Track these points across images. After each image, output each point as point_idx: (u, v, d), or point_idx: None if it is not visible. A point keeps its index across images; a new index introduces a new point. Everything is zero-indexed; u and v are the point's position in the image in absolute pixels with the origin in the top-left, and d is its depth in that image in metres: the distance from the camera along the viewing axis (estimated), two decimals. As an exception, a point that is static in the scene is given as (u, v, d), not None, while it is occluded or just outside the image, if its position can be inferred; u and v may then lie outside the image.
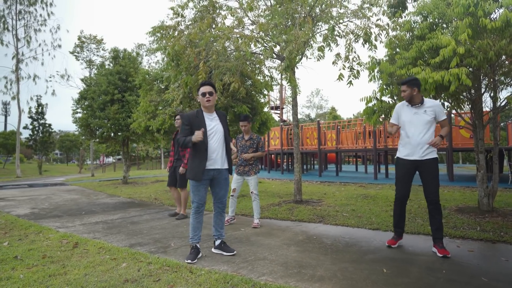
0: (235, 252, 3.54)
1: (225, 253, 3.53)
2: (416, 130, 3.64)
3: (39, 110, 35.23)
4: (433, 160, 3.62)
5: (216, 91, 3.69)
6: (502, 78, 5.14)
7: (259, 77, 7.12)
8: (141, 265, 3.20)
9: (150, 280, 2.82)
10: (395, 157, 3.91)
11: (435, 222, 3.60)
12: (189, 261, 3.27)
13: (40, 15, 25.09)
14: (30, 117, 34.49)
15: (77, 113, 12.17)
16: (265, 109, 9.25)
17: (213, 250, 3.66)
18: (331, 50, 5.25)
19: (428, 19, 4.73)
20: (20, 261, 3.35)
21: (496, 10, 4.28)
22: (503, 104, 5.07)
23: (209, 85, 3.53)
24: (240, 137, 5.19)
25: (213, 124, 3.51)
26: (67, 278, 2.89)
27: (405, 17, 5.24)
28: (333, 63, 5.52)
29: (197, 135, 3.25)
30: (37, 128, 35.03)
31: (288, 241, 4.06)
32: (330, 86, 79.83)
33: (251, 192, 5.08)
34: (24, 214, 6.25)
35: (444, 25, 4.70)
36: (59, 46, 25.78)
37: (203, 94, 3.47)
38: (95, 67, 24.22)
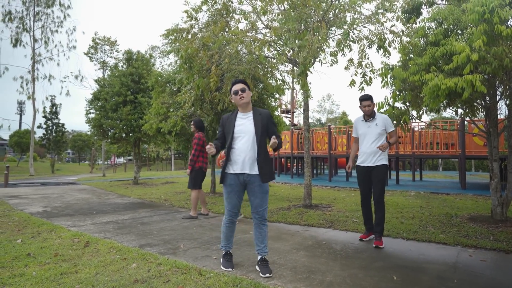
0: (271, 275, 3.00)
1: (261, 274, 3.01)
2: (369, 141, 4.30)
3: (53, 110, 35.88)
4: (382, 166, 4.25)
5: (250, 87, 3.36)
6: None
7: (271, 81, 7.14)
8: (151, 266, 3.23)
9: (159, 281, 2.84)
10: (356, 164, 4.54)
11: (376, 218, 4.22)
12: (230, 269, 3.12)
13: (57, 16, 25.67)
14: (44, 116, 35.17)
15: (90, 113, 12.37)
16: (276, 113, 9.25)
17: (256, 267, 3.20)
18: (344, 55, 5.24)
19: (442, 25, 4.68)
20: (33, 259, 3.42)
21: (512, 17, 4.21)
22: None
23: (240, 82, 3.25)
24: None
25: (243, 124, 3.18)
26: (78, 276, 2.93)
27: (419, 23, 5.20)
28: (345, 68, 5.50)
29: (207, 147, 3.01)
30: (50, 128, 35.69)
31: (297, 246, 4.05)
32: (342, 90, 79.43)
33: None
34: (37, 212, 6.37)
35: (459, 32, 4.65)
36: (74, 47, 26.31)
37: (235, 93, 3.19)
38: (109, 68, 24.67)
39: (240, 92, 3.18)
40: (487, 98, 5.04)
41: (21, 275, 2.95)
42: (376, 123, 4.28)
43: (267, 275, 2.98)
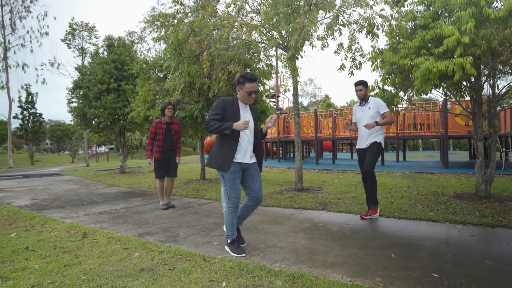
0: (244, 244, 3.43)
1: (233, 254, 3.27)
2: (363, 124, 4.48)
3: (29, 99, 34.66)
4: (373, 143, 4.50)
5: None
6: (500, 66, 5.21)
7: (259, 66, 7.09)
8: (153, 254, 3.25)
9: (165, 268, 2.87)
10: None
11: (368, 193, 4.57)
12: (243, 255, 3.17)
13: (23, 0, 24.33)
14: (20, 106, 33.98)
15: (72, 102, 12.01)
16: (263, 98, 9.23)
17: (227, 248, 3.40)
18: (334, 39, 5.26)
19: (430, 9, 4.75)
20: (32, 252, 3.38)
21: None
22: (503, 91, 5.16)
23: (256, 82, 3.29)
24: None
25: (247, 116, 3.30)
26: (83, 267, 2.93)
27: (407, 6, 5.25)
28: (335, 52, 5.52)
29: (241, 124, 3.06)
30: (27, 118, 34.56)
31: (294, 229, 4.15)
32: (324, 74, 79.70)
33: None
34: (25, 205, 6.24)
35: (447, 14, 4.73)
36: (47, 33, 25.12)
37: (249, 93, 3.23)
38: (88, 55, 23.79)
39: (253, 95, 3.26)
40: (473, 79, 5.19)
41: (24, 268, 2.92)
42: (369, 107, 4.53)
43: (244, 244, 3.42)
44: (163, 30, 6.54)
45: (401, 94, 5.56)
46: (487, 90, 5.62)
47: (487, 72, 5.17)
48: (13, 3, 23.96)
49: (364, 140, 4.59)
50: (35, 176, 12.96)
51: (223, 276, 2.69)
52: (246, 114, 3.31)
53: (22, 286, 2.57)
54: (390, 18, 5.00)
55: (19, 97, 33.10)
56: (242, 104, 3.32)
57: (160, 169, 5.79)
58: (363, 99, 4.58)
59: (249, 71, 7.87)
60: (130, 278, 2.68)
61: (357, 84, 4.57)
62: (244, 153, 3.27)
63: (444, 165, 10.44)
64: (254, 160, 3.37)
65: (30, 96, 34.76)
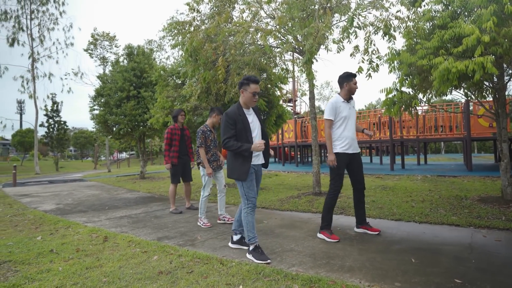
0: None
1: (245, 248, 3.46)
2: (352, 125, 3.88)
3: (54, 107, 35.86)
4: (359, 153, 3.96)
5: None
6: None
7: (274, 70, 7.12)
8: (172, 257, 3.30)
9: (183, 272, 2.91)
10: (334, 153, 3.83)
11: (363, 207, 4.04)
12: (268, 261, 3.09)
13: (52, 14, 25.42)
14: (46, 115, 35.18)
15: (94, 110, 12.38)
16: (280, 102, 9.24)
17: (230, 244, 3.65)
18: (350, 42, 5.23)
19: (449, 8, 4.65)
20: (56, 254, 3.49)
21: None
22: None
23: (258, 83, 3.40)
24: (208, 131, 4.85)
25: (253, 121, 3.39)
26: (104, 270, 3.00)
27: (424, 6, 5.16)
28: (351, 55, 5.49)
29: (257, 146, 3.14)
30: (52, 126, 35.75)
31: (312, 233, 4.11)
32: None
33: (224, 186, 4.98)
34: (50, 210, 6.45)
35: (466, 13, 4.62)
36: (72, 44, 26.16)
37: (254, 94, 3.33)
38: (109, 64, 24.54)
39: (257, 96, 3.37)
40: (495, 79, 5.03)
41: (48, 270, 3.02)
42: (353, 106, 3.95)
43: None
44: (180, 37, 6.67)
45: (420, 95, 5.46)
46: (511, 89, 5.45)
47: (510, 71, 5.01)
48: (41, 17, 25.05)
49: (355, 143, 3.89)
50: (60, 182, 13.38)
51: (240, 279, 2.70)
52: (252, 118, 3.40)
53: (46, 287, 2.67)
54: (406, 19, 4.92)
55: (45, 105, 34.27)
56: (247, 110, 3.40)
57: (178, 175, 5.98)
58: (350, 95, 3.90)
59: (265, 75, 7.92)
60: (149, 281, 2.73)
61: (355, 76, 3.90)
62: (257, 156, 3.43)
63: (468, 168, 10.12)
64: (262, 161, 3.50)
65: (55, 105, 35.96)
